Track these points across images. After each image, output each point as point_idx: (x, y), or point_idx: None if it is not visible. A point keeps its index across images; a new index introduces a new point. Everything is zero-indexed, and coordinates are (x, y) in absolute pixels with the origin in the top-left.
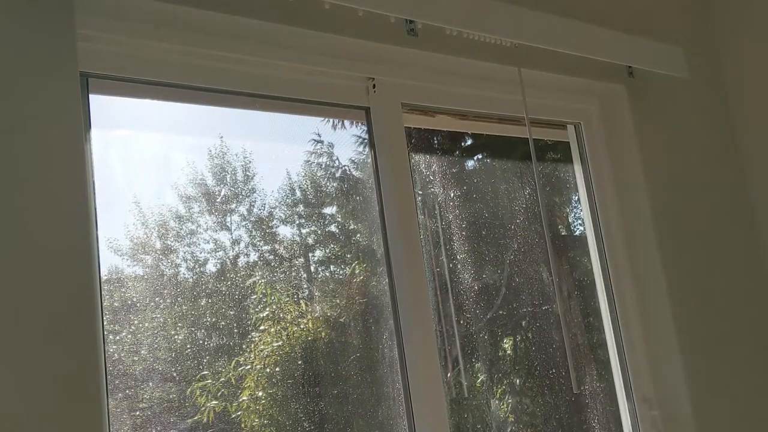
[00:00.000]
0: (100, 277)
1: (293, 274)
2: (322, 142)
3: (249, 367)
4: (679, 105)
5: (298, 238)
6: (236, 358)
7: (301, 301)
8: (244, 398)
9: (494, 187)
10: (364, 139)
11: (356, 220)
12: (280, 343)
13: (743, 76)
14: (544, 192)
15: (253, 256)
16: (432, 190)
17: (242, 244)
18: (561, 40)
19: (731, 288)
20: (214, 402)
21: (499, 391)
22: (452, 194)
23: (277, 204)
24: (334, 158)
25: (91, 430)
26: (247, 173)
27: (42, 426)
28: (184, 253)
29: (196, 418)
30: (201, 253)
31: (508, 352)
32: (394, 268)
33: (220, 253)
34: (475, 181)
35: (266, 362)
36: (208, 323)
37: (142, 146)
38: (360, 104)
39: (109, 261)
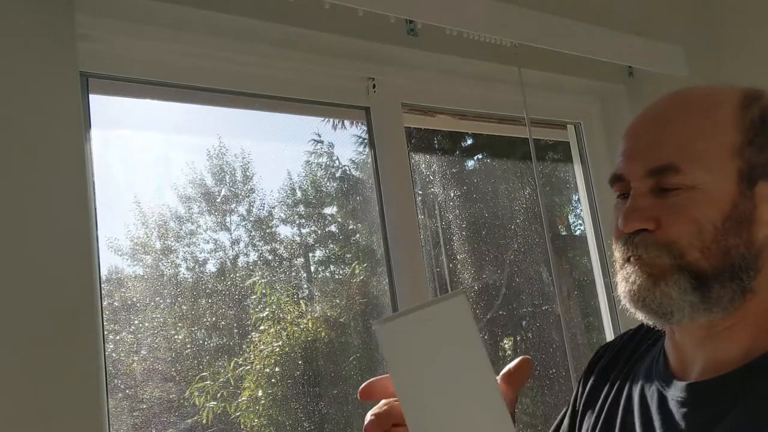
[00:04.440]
0: (100, 277)
1: (293, 274)
2: (322, 142)
3: (249, 367)
4: None
5: (298, 238)
6: (236, 358)
7: (301, 301)
8: (244, 398)
9: (494, 187)
10: (364, 139)
11: (356, 220)
12: (279, 343)
13: (743, 75)
14: (544, 192)
15: (253, 256)
16: (432, 190)
17: (242, 244)
18: (561, 40)
19: None
20: (213, 402)
21: None
22: (452, 194)
23: (276, 204)
24: (334, 158)
25: (91, 430)
26: (247, 173)
27: (42, 426)
28: (184, 253)
29: (195, 418)
30: (201, 253)
31: (508, 352)
32: (394, 268)
33: (220, 253)
34: (475, 181)
35: (266, 362)
36: (208, 323)
37: (142, 146)
38: (360, 104)
39: (109, 261)
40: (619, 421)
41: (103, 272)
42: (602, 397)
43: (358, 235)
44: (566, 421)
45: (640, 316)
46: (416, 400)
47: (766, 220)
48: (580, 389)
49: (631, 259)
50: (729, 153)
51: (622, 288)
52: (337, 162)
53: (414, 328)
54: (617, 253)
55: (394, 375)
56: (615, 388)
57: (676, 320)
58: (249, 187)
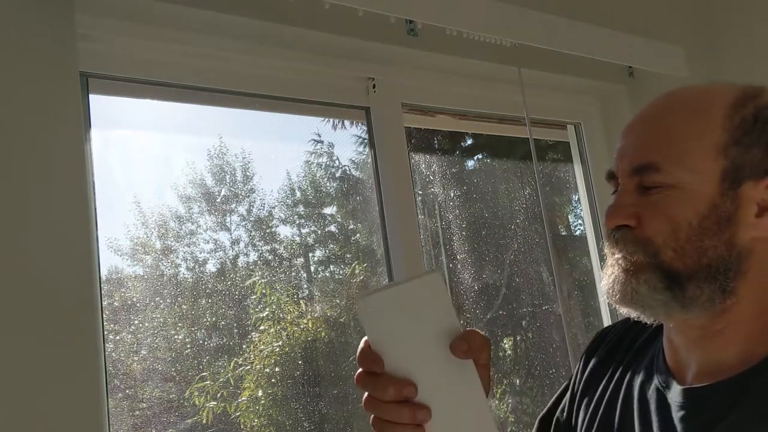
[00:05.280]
0: (100, 277)
1: (293, 274)
2: (322, 142)
3: (249, 367)
4: None
5: (298, 238)
6: (236, 358)
7: (301, 301)
8: (244, 398)
9: (494, 187)
10: (364, 139)
11: (356, 220)
12: (279, 343)
13: (743, 75)
14: (544, 192)
15: (253, 256)
16: (432, 190)
17: (242, 244)
18: (561, 40)
19: None
20: (213, 402)
21: (499, 391)
22: (452, 194)
23: (276, 204)
24: (334, 158)
25: (91, 430)
26: (247, 173)
27: (42, 426)
28: (184, 253)
29: (195, 418)
30: (201, 253)
31: (508, 352)
32: (394, 268)
33: (220, 253)
34: (475, 181)
35: (266, 362)
36: (208, 323)
37: (142, 146)
38: (360, 104)
39: (109, 261)
40: (617, 415)
41: (103, 272)
42: (602, 386)
43: (358, 235)
44: (562, 405)
45: (623, 311)
46: (395, 369)
47: (751, 222)
48: (578, 373)
49: (615, 254)
50: (714, 153)
51: (603, 282)
52: (337, 162)
53: (392, 302)
54: (606, 249)
55: (374, 346)
56: (615, 378)
57: (651, 315)
58: (249, 187)
